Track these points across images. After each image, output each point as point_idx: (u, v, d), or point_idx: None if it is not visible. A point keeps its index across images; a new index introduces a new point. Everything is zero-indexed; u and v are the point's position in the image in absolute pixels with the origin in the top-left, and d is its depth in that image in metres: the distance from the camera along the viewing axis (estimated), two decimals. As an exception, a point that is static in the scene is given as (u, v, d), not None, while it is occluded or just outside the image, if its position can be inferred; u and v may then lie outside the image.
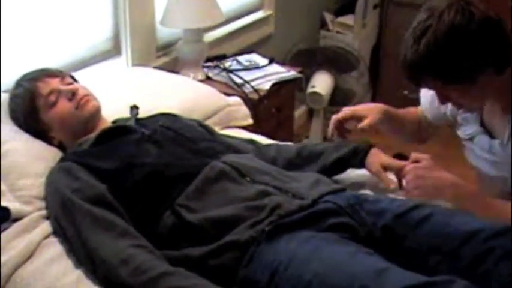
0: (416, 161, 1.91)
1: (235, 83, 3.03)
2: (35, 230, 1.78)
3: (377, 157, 2.03)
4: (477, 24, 1.61)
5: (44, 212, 1.85)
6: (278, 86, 3.12)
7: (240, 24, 3.75)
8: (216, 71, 3.16)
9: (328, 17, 4.68)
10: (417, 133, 2.28)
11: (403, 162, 1.97)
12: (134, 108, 2.20)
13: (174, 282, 1.51)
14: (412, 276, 1.42)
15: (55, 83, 2.06)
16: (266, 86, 3.05)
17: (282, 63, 3.42)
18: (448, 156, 1.91)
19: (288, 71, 3.25)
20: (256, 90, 2.99)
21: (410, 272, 1.45)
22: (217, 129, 2.37)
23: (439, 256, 1.62)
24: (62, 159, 1.95)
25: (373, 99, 4.82)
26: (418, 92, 2.20)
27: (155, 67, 2.96)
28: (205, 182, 1.78)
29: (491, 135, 1.91)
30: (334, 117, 2.09)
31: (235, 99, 2.74)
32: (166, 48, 3.20)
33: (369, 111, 2.08)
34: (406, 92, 4.18)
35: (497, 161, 1.90)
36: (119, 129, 2.01)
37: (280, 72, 3.21)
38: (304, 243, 1.56)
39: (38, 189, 1.88)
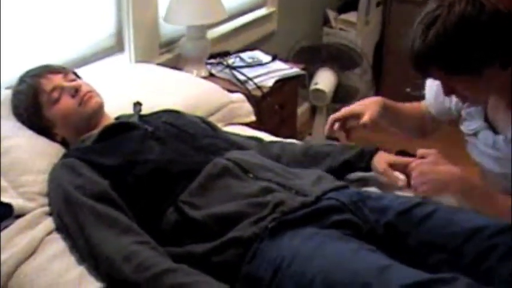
0: (423, 157, 1.91)
1: (238, 79, 3.03)
2: (37, 227, 1.78)
3: (383, 156, 2.03)
4: (487, 16, 1.60)
5: (46, 209, 1.85)
6: (281, 82, 3.12)
7: (243, 21, 3.75)
8: (219, 67, 3.16)
9: (331, 14, 4.67)
10: (420, 127, 2.28)
11: (409, 159, 1.97)
12: (137, 104, 2.20)
13: (177, 279, 1.50)
14: (415, 273, 1.42)
15: (58, 79, 2.06)
16: (269, 82, 3.05)
17: (285, 60, 3.42)
18: (451, 153, 1.90)
19: (291, 68, 3.25)
20: (259, 87, 2.99)
21: (413, 269, 1.45)
22: (220, 125, 2.37)
23: (442, 253, 1.62)
24: (64, 156, 1.95)
25: (376, 96, 4.81)
26: (421, 89, 2.20)
27: (158, 64, 2.96)
28: (209, 178, 1.78)
29: (495, 131, 1.91)
30: (332, 117, 2.09)
31: (238, 96, 2.74)
32: (169, 44, 3.20)
33: (367, 106, 2.07)
34: (409, 89, 4.17)
35: (501, 156, 1.90)
36: (122, 126, 2.01)
37: (283, 69, 3.20)
38: (307, 240, 1.56)
39: (40, 186, 1.88)
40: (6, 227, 1.75)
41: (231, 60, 3.22)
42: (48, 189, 1.87)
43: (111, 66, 2.82)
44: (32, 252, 1.72)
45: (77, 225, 1.69)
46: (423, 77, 1.83)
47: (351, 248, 1.53)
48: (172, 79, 2.71)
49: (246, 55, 3.30)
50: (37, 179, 1.89)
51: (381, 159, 2.01)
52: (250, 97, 2.84)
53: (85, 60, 2.70)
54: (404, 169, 1.96)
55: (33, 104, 2.04)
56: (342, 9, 4.73)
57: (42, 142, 2.03)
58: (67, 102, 2.03)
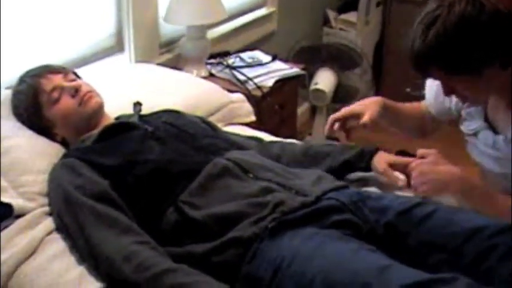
0: (423, 157, 1.91)
1: (238, 79, 3.03)
2: (37, 227, 1.78)
3: (383, 156, 2.02)
4: (487, 16, 1.60)
5: (46, 209, 1.85)
6: (281, 82, 3.12)
7: (243, 21, 3.75)
8: (219, 67, 3.16)
9: (331, 14, 4.67)
10: (420, 127, 2.28)
11: (409, 159, 1.97)
12: (137, 104, 2.20)
13: (177, 279, 1.50)
14: (415, 273, 1.42)
15: (58, 79, 2.06)
16: (269, 82, 3.05)
17: (285, 60, 3.42)
18: (451, 153, 1.90)
19: (291, 68, 3.25)
20: (259, 87, 2.99)
21: (413, 269, 1.45)
22: (220, 126, 2.37)
23: (442, 253, 1.62)
24: (64, 156, 1.95)
25: (376, 96, 4.81)
26: (421, 89, 2.20)
27: (158, 64, 2.96)
28: (209, 178, 1.78)
29: (495, 131, 1.91)
30: (332, 117, 2.09)
31: (238, 96, 2.74)
32: (169, 44, 3.20)
33: (367, 106, 2.07)
34: (409, 89, 4.17)
35: (501, 157, 1.90)
36: (122, 126, 2.01)
37: (283, 69, 3.20)
38: (307, 240, 1.56)
39: (40, 186, 1.88)
40: (6, 227, 1.75)
41: (231, 60, 3.22)
42: (48, 189, 1.87)
43: (111, 66, 2.82)
44: (32, 252, 1.71)
45: (77, 225, 1.69)
46: (423, 77, 1.83)
47: (351, 248, 1.53)
48: (172, 79, 2.71)
49: (246, 55, 3.30)
50: (37, 179, 1.89)
51: (381, 159, 2.01)
52: (250, 97, 2.84)
53: (85, 60, 2.70)
54: (404, 169, 1.96)
55: (33, 104, 2.04)
56: (342, 9, 4.73)
57: (42, 142, 2.03)
58: (67, 102, 2.03)
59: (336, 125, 2.07)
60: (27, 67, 2.15)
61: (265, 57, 3.29)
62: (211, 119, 2.44)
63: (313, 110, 4.37)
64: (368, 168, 2.03)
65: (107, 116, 2.11)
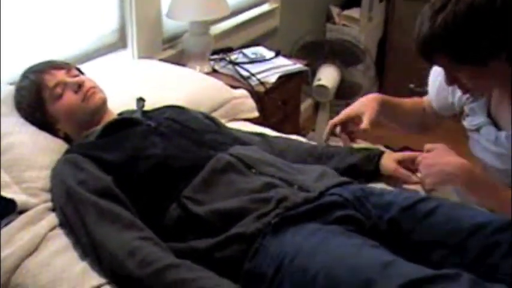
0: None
1: (241, 75, 3.03)
2: (40, 222, 1.78)
3: (391, 156, 2.02)
4: (498, 5, 1.59)
5: (49, 204, 1.85)
6: (284, 78, 3.12)
7: (246, 17, 3.75)
8: (222, 63, 3.16)
9: (335, 10, 4.67)
10: (421, 123, 2.27)
11: (415, 154, 1.95)
12: (140, 100, 2.20)
13: (179, 274, 1.51)
14: (419, 269, 1.41)
15: (61, 75, 2.06)
16: (272, 78, 3.05)
17: (288, 56, 3.41)
18: (453, 149, 1.90)
19: (294, 63, 3.24)
20: (262, 83, 2.99)
21: (417, 265, 1.44)
22: (223, 121, 2.36)
23: (445, 249, 1.61)
24: (67, 151, 1.95)
25: (379, 92, 4.76)
26: (424, 85, 2.20)
27: (161, 60, 2.95)
28: (212, 174, 1.78)
29: (498, 127, 1.90)
30: (331, 122, 2.09)
31: (242, 92, 2.74)
32: (172, 40, 3.20)
33: (365, 106, 2.06)
34: (412, 85, 4.17)
35: (503, 153, 1.89)
36: (124, 121, 2.01)
37: (287, 65, 3.20)
38: (311, 236, 1.56)
39: (43, 181, 1.88)
40: (9, 222, 1.75)
41: (234, 56, 3.22)
42: (51, 185, 1.87)
43: (114, 62, 2.82)
44: (35, 248, 1.71)
45: (80, 221, 1.69)
46: (427, 63, 1.80)
47: (354, 244, 1.53)
48: (175, 75, 2.71)
49: (249, 51, 3.30)
50: (40, 175, 1.89)
51: (390, 159, 2.00)
52: (253, 93, 2.84)
53: (88, 56, 2.70)
54: (411, 165, 1.95)
55: (36, 99, 2.04)
56: (345, 5, 4.74)
57: (45, 138, 2.03)
58: (70, 98, 2.03)
59: (338, 129, 2.07)
60: (30, 63, 2.15)
61: (268, 53, 3.29)
62: (214, 114, 2.43)
63: (317, 106, 4.37)
64: (377, 170, 2.02)
65: (110, 112, 2.11)
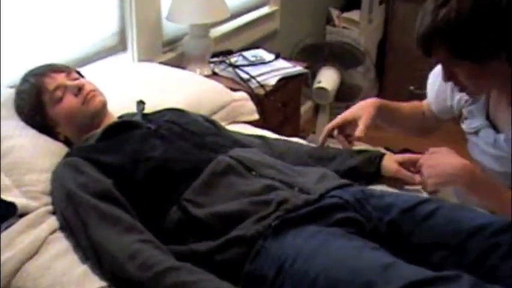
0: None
1: (241, 78, 3.03)
2: (41, 226, 1.78)
3: (392, 158, 2.02)
4: (503, 6, 1.59)
5: (50, 207, 1.85)
6: (284, 81, 3.12)
7: (246, 20, 3.75)
8: (222, 66, 3.16)
9: (334, 12, 4.68)
10: (420, 126, 2.27)
11: (417, 156, 1.95)
12: (140, 103, 2.20)
13: (180, 277, 1.50)
14: (419, 271, 1.41)
15: (61, 78, 2.06)
16: (272, 81, 3.05)
17: (288, 59, 3.42)
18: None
19: (294, 66, 3.25)
20: (262, 86, 2.99)
21: (417, 266, 1.45)
22: (223, 124, 2.36)
23: (445, 251, 1.61)
24: (67, 155, 1.95)
25: (379, 95, 4.82)
26: (424, 87, 2.20)
27: (161, 62, 2.96)
28: (212, 176, 1.78)
29: (497, 129, 1.90)
30: (327, 126, 2.09)
31: (241, 95, 2.74)
32: (172, 43, 3.20)
33: (362, 110, 2.06)
34: (412, 87, 4.17)
35: (502, 155, 1.89)
36: (125, 124, 2.01)
37: (286, 67, 3.20)
38: (311, 238, 1.56)
39: (44, 185, 1.88)
40: (9, 226, 1.75)
41: (234, 59, 3.22)
42: (52, 188, 1.87)
43: (114, 65, 2.82)
44: (35, 251, 1.71)
45: (80, 224, 1.69)
46: (426, 56, 1.79)
47: (354, 246, 1.53)
48: (175, 78, 2.71)
49: (249, 54, 3.30)
50: (40, 178, 1.89)
51: (391, 161, 2.01)
52: (253, 95, 2.84)
53: (88, 59, 2.70)
54: (412, 166, 1.95)
55: (36, 103, 2.04)
56: (345, 8, 4.74)
57: (45, 141, 2.03)
58: (70, 101, 2.03)
59: (335, 132, 2.07)
60: (30, 66, 2.15)
61: (268, 56, 3.29)
62: (214, 117, 2.44)
63: (316, 109, 4.37)
64: (378, 172, 2.02)
65: (110, 115, 2.11)
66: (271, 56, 3.29)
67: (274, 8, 4.04)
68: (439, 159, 1.84)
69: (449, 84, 1.96)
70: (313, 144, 2.27)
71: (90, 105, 2.04)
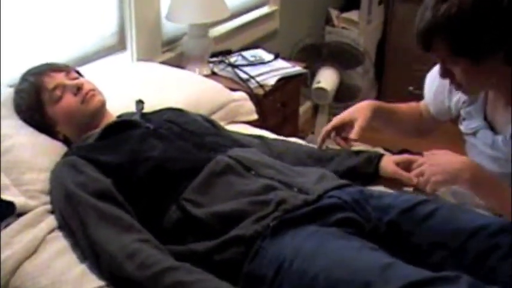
0: None
1: (240, 78, 3.03)
2: (39, 225, 1.78)
3: (390, 158, 2.02)
4: (504, 5, 1.59)
5: (49, 207, 1.85)
6: (283, 81, 3.12)
7: (245, 20, 3.75)
8: (222, 66, 3.16)
9: (334, 12, 4.68)
10: (417, 127, 2.27)
11: (415, 157, 1.95)
12: (139, 102, 2.20)
13: (178, 277, 1.50)
14: (418, 272, 1.41)
15: (60, 77, 2.06)
16: (271, 81, 3.05)
17: (287, 59, 3.42)
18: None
19: (293, 66, 3.25)
20: (261, 86, 2.99)
21: (416, 267, 1.44)
22: (222, 124, 2.37)
23: (444, 252, 1.61)
24: (67, 154, 1.96)
25: (379, 95, 4.83)
26: (423, 88, 2.19)
27: (160, 62, 2.96)
28: (211, 176, 1.78)
29: (495, 131, 1.90)
30: (324, 129, 2.09)
31: (241, 95, 2.74)
32: (171, 43, 3.20)
33: (358, 112, 2.05)
34: (411, 88, 4.17)
35: (500, 157, 1.89)
36: (124, 124, 2.01)
37: (286, 67, 3.20)
38: (310, 238, 1.56)
39: (43, 184, 1.88)
40: (8, 225, 1.75)
41: (233, 59, 3.22)
42: (50, 187, 1.87)
43: (113, 64, 2.82)
44: (34, 251, 1.71)
45: (79, 223, 1.69)
46: (425, 51, 1.78)
47: (353, 246, 1.53)
48: (175, 77, 2.71)
49: (248, 53, 3.30)
50: (39, 177, 1.89)
51: (389, 161, 2.00)
52: (252, 95, 2.84)
53: (87, 59, 2.70)
54: (409, 167, 1.95)
55: (36, 102, 2.04)
56: (344, 8, 4.74)
57: (44, 140, 2.03)
58: (69, 100, 2.03)
59: (332, 134, 2.07)
60: (29, 65, 2.16)
61: (268, 56, 3.29)
62: (214, 117, 2.44)
63: (316, 109, 4.37)
64: (376, 173, 2.02)
65: (109, 114, 2.11)
66: (270, 56, 3.29)
67: (274, 8, 4.03)
68: (442, 158, 1.84)
69: (447, 85, 1.96)
70: (312, 145, 2.27)
71: (89, 104, 2.04)
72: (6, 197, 1.80)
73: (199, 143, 1.93)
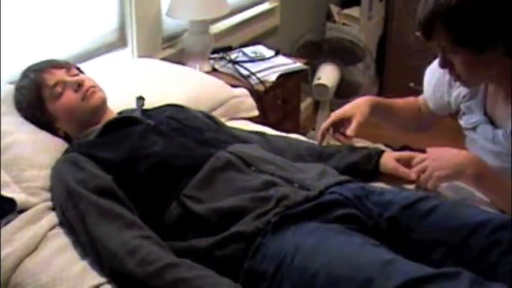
0: None
1: (241, 74, 3.03)
2: (40, 222, 1.78)
3: (390, 155, 2.02)
4: None
5: (49, 203, 1.85)
6: (284, 77, 3.11)
7: (246, 16, 3.75)
8: (222, 62, 3.16)
9: (334, 9, 4.67)
10: (416, 122, 2.27)
11: (415, 153, 1.95)
12: (140, 99, 2.20)
13: (179, 274, 1.50)
14: (419, 268, 1.41)
15: (61, 74, 2.06)
16: (272, 77, 3.05)
17: (288, 55, 3.42)
18: (452, 147, 1.89)
19: (294, 62, 3.24)
20: (262, 82, 2.99)
21: (417, 263, 1.44)
22: (223, 120, 2.37)
23: (445, 248, 1.61)
24: (67, 150, 1.96)
25: (379, 91, 4.82)
26: (423, 84, 2.19)
27: (161, 59, 2.95)
28: (212, 172, 1.78)
29: (495, 125, 1.90)
30: (323, 126, 2.08)
31: (241, 91, 2.74)
32: (172, 39, 3.20)
33: (355, 108, 2.06)
34: (412, 84, 4.17)
35: (500, 151, 1.89)
36: (124, 120, 2.01)
37: (286, 63, 3.20)
38: (311, 235, 1.56)
39: (43, 181, 1.88)
40: (9, 221, 1.75)
41: (234, 55, 3.22)
42: (51, 184, 1.87)
43: (114, 61, 2.82)
44: (34, 247, 1.71)
45: (80, 220, 1.69)
46: (426, 39, 1.77)
47: (354, 243, 1.53)
48: (175, 74, 2.71)
49: (248, 50, 3.30)
50: (40, 174, 1.89)
51: (390, 158, 2.00)
52: (253, 92, 2.84)
53: (88, 55, 2.70)
54: (409, 163, 1.95)
55: (36, 98, 2.04)
56: (345, 4, 4.73)
57: (44, 137, 2.03)
58: (70, 97, 2.03)
59: (331, 131, 2.07)
60: (30, 62, 2.15)
61: (268, 52, 3.29)
62: (214, 113, 2.44)
63: (316, 105, 4.37)
64: (376, 169, 2.02)
65: (110, 111, 2.11)
66: (271, 52, 3.28)
67: (274, 4, 4.03)
68: (445, 153, 1.83)
69: (447, 80, 1.96)
70: (313, 141, 2.27)
71: (90, 101, 2.04)
72: (6, 193, 1.80)
73: (200, 139, 1.93)
